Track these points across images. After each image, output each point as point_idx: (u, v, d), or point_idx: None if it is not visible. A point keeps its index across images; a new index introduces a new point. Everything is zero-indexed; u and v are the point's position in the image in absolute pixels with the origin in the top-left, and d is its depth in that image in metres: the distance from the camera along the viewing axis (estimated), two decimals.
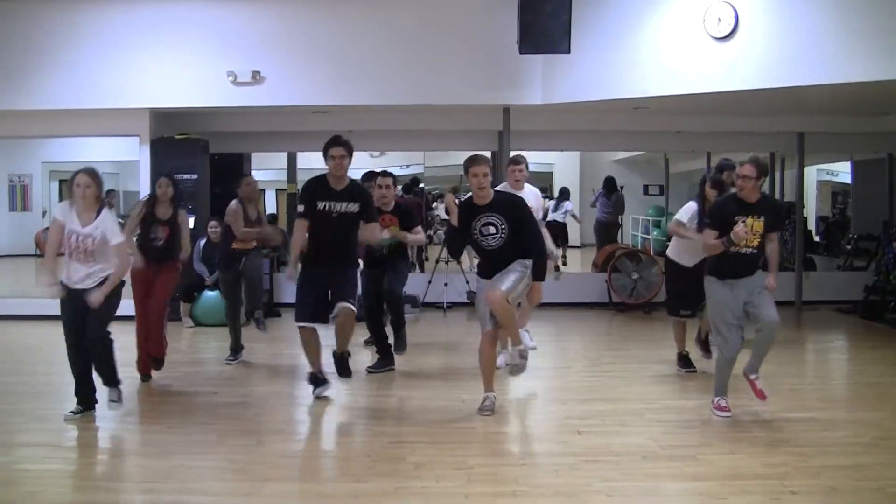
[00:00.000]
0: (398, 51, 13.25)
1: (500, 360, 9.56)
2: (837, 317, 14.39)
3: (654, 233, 21.28)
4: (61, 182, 24.88)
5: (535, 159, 23.57)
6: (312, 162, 19.07)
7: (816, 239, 18.76)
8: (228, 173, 14.90)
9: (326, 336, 8.79)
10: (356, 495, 6.11)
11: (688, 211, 9.61)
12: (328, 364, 8.84)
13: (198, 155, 13.97)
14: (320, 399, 8.67)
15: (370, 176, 11.09)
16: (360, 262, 9.23)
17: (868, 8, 10.12)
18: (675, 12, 11.65)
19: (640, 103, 12.95)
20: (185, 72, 13.19)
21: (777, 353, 9.15)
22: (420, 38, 13.29)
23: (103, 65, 13.11)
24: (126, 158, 15.51)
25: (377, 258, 9.90)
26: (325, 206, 8.55)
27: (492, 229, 7.88)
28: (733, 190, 8.24)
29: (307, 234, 8.59)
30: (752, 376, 8.06)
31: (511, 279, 7.81)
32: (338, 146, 8.60)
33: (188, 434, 7.59)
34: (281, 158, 17.15)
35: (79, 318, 7.85)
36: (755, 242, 7.75)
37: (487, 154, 14.94)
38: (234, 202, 10.50)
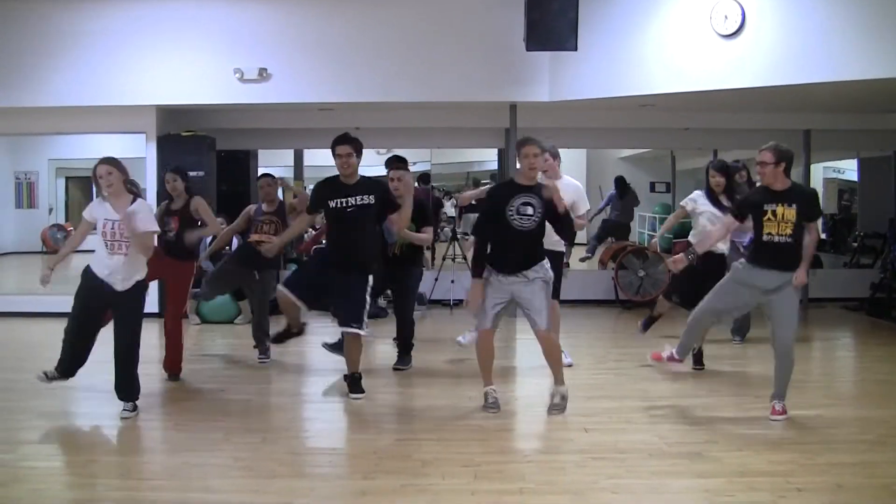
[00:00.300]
0: (405, 48, 13.25)
1: (467, 338, 9.68)
2: (844, 314, 14.38)
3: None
4: (68, 179, 24.97)
5: None
6: (319, 159, 19.11)
7: (823, 236, 18.74)
8: (235, 170, 14.95)
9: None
10: (363, 492, 6.11)
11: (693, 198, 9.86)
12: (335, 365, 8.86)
13: (204, 152, 13.97)
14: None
15: (391, 162, 11.00)
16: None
17: (875, 5, 10.11)
18: (681, 9, 11.64)
19: (646, 101, 12.94)
20: (192, 69, 13.20)
21: None
22: (427, 36, 13.29)
23: (110, 62, 13.13)
24: (133, 155, 15.52)
25: (388, 258, 9.69)
26: (338, 203, 8.42)
27: (529, 210, 7.80)
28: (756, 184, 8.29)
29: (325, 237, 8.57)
30: (776, 404, 7.94)
31: (544, 311, 7.94)
32: (344, 144, 8.47)
33: (194, 431, 7.60)
34: (287, 155, 17.19)
35: (95, 314, 7.96)
36: (789, 231, 7.68)
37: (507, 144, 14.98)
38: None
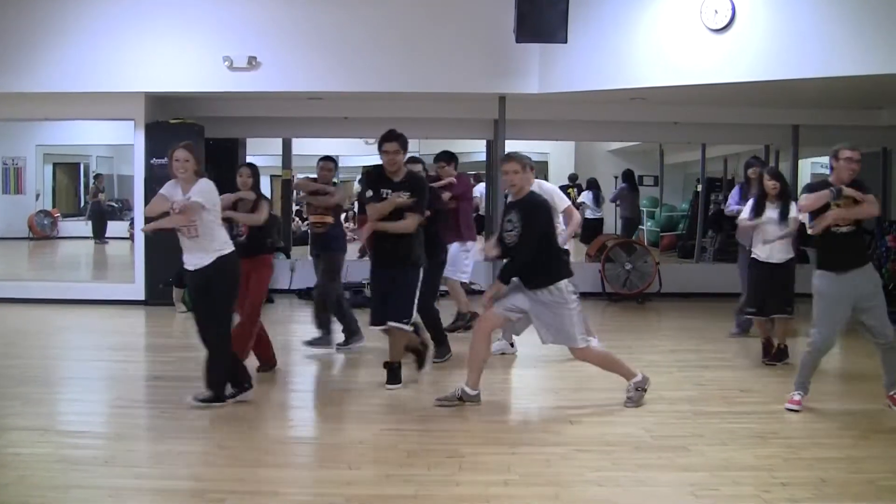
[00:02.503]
0: (395, 38, 13.22)
1: (495, 346, 9.63)
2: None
3: (648, 224, 21.28)
4: (55, 165, 24.92)
5: (531, 149, 23.58)
6: (307, 148, 19.08)
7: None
8: (223, 159, 14.87)
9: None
10: (348, 482, 6.12)
11: (733, 197, 9.94)
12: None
13: (193, 140, 13.86)
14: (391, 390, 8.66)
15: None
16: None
17: (864, 1, 10.13)
18: (672, 3, 11.65)
19: (636, 94, 12.95)
20: (181, 56, 13.16)
21: None
22: (417, 26, 13.27)
23: (99, 48, 13.07)
24: (121, 142, 15.49)
25: None
26: (385, 195, 8.51)
27: (508, 226, 7.81)
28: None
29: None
30: (892, 392, 8.01)
31: (570, 330, 7.83)
32: (392, 141, 8.52)
33: (180, 419, 7.58)
34: (276, 144, 17.14)
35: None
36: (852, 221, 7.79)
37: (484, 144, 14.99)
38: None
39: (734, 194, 11.34)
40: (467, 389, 8.01)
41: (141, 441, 7.17)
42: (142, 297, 13.84)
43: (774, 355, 9.92)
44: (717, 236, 17.55)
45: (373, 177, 8.74)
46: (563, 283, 7.75)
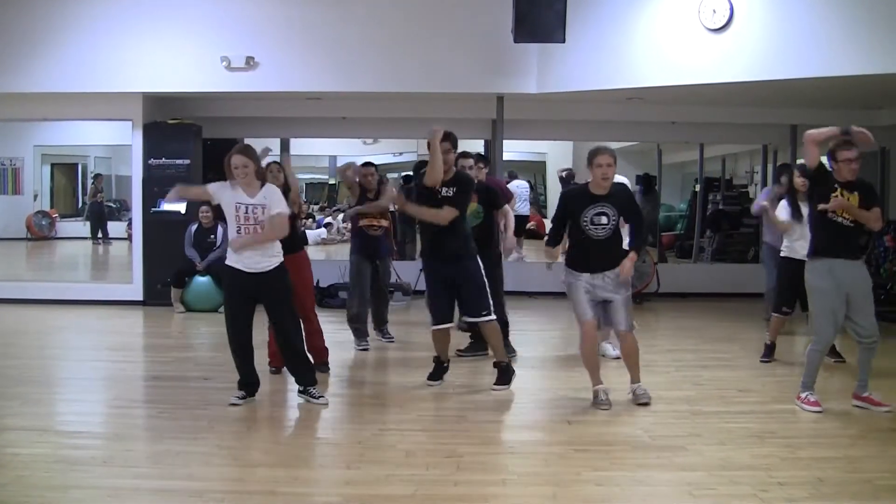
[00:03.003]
0: (393, 38, 13.24)
1: (611, 349, 9.89)
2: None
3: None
4: (53, 166, 24.93)
5: (528, 148, 23.63)
6: (305, 148, 19.10)
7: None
8: (221, 159, 14.88)
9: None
10: (347, 482, 6.13)
11: (766, 195, 10.05)
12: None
13: (190, 140, 13.96)
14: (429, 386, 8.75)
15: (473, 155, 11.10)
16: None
17: (861, 2, 10.15)
18: (669, 3, 11.68)
19: (634, 94, 12.97)
20: (179, 57, 13.18)
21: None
22: (415, 26, 13.29)
23: (97, 49, 13.09)
24: (119, 143, 15.49)
25: None
26: (439, 193, 8.57)
27: (604, 219, 7.89)
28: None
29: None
30: (864, 394, 8.07)
31: (625, 313, 8.06)
32: (443, 140, 8.54)
33: (178, 419, 7.59)
34: (274, 144, 17.13)
35: (247, 306, 7.94)
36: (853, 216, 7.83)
37: (476, 144, 15.01)
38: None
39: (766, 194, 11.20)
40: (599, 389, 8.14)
41: (139, 441, 7.17)
42: (140, 297, 13.84)
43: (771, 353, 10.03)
44: (716, 236, 17.60)
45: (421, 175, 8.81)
46: None
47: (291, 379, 8.52)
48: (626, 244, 8.25)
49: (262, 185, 7.84)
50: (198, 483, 6.08)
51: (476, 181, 9.58)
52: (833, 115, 14.42)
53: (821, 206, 7.79)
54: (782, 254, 10.03)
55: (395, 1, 13.29)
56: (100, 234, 22.77)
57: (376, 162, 10.97)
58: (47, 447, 6.78)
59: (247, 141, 15.99)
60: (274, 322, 8.10)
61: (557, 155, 23.54)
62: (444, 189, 8.51)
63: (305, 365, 8.18)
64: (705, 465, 6.47)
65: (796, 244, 9.67)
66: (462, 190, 8.59)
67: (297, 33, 13.20)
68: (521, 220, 18.07)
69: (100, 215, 22.99)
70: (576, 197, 8.16)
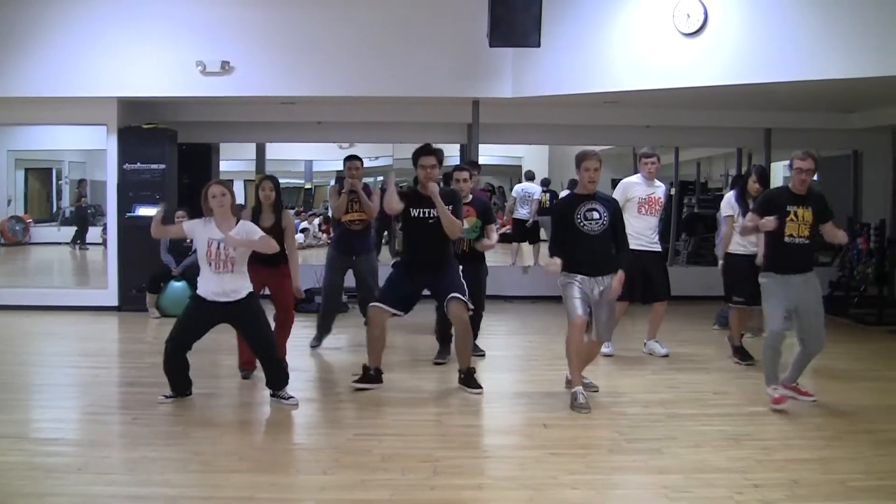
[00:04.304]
0: (368, 42, 13.22)
1: (659, 347, 10.24)
2: None
3: None
4: (27, 171, 24.78)
5: (504, 153, 23.66)
6: (281, 152, 19.05)
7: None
8: (196, 163, 14.88)
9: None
10: (322, 487, 6.11)
11: (729, 202, 10.23)
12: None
13: (166, 144, 13.91)
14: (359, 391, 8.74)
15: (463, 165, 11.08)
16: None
17: (836, 6, 10.21)
18: (644, 7, 11.70)
19: (609, 98, 12.99)
20: (154, 61, 13.12)
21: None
22: (390, 30, 13.27)
23: (71, 53, 13.03)
24: (93, 147, 15.42)
25: (456, 255, 9.55)
26: (419, 213, 8.65)
27: (595, 214, 8.13)
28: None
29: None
30: (793, 384, 8.29)
31: (605, 326, 8.42)
32: (428, 155, 8.64)
33: (153, 425, 7.56)
34: (249, 149, 17.10)
35: (201, 330, 8.13)
36: (806, 233, 7.99)
37: (454, 146, 15.02)
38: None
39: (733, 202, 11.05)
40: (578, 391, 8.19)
41: (114, 448, 7.13)
42: (115, 302, 13.79)
43: (743, 352, 10.17)
44: (691, 239, 17.64)
45: (407, 196, 8.81)
46: None
47: (266, 384, 8.51)
48: None
49: (237, 221, 7.98)
50: (173, 489, 6.05)
51: (473, 196, 9.90)
52: (806, 119, 14.60)
53: (773, 225, 7.96)
54: (728, 250, 10.15)
55: (370, 5, 13.26)
56: (78, 240, 22.67)
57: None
58: (22, 455, 6.74)
59: (222, 146, 16.00)
60: (252, 344, 8.31)
61: (534, 159, 23.61)
62: (434, 210, 8.58)
63: (284, 372, 8.29)
64: (681, 468, 6.49)
65: (742, 241, 9.82)
66: (455, 206, 8.66)
67: (273, 38, 13.17)
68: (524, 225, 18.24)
69: (84, 220, 22.91)
70: (565, 202, 8.49)
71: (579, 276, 8.11)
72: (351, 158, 10.80)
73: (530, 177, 19.59)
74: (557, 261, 8.04)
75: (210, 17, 13.14)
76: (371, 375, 8.81)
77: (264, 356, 8.19)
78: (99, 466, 6.57)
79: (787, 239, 7.96)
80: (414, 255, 8.81)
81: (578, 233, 8.11)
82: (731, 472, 6.41)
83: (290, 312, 9.42)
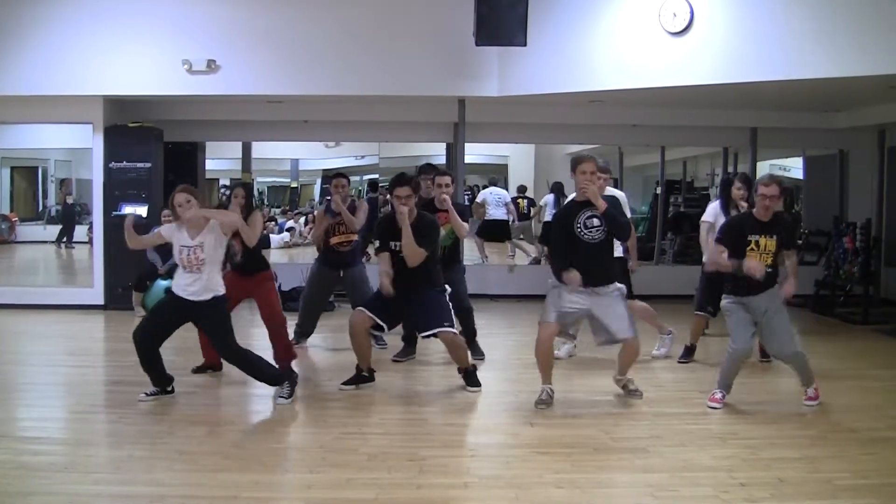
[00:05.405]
0: (354, 41, 13.22)
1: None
2: (789, 311, 14.46)
3: None
4: (13, 169, 24.70)
5: (490, 151, 23.65)
6: (267, 151, 19.04)
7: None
8: (182, 162, 14.86)
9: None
10: (308, 486, 6.11)
11: (714, 211, 10.09)
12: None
13: (151, 143, 13.89)
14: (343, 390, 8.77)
15: (428, 169, 11.04)
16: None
17: (821, 6, 10.24)
18: (630, 7, 11.72)
19: (595, 97, 13.01)
20: (140, 60, 13.10)
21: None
22: (376, 29, 13.27)
23: (57, 51, 12.99)
24: (79, 146, 15.38)
25: None
26: (395, 246, 8.61)
27: (596, 221, 8.03)
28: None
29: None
30: (809, 390, 8.30)
31: (627, 320, 8.18)
32: (403, 186, 8.61)
33: (139, 424, 7.56)
34: (235, 148, 17.11)
35: (170, 326, 8.16)
36: (768, 261, 7.92)
37: (444, 149, 15.02)
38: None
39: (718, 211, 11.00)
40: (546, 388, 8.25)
41: (100, 447, 7.13)
42: (101, 301, 13.77)
43: (689, 352, 10.34)
44: (677, 238, 17.67)
45: (383, 229, 8.79)
46: None
47: (252, 383, 8.50)
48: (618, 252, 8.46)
49: (207, 222, 8.03)
50: (159, 488, 6.04)
51: (453, 203, 9.90)
52: (793, 118, 14.63)
53: (733, 267, 7.92)
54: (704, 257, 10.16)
55: (356, 4, 13.26)
56: (64, 238, 22.61)
57: (337, 165, 10.94)
58: (7, 453, 6.72)
59: (208, 144, 15.97)
60: (215, 348, 8.46)
61: (520, 158, 23.62)
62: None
63: (264, 370, 8.35)
64: (667, 467, 6.51)
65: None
66: (425, 235, 8.63)
67: (259, 36, 13.16)
68: (499, 224, 18.19)
69: (71, 219, 22.85)
70: (565, 210, 8.41)
71: (567, 287, 8.05)
72: (337, 176, 10.75)
73: (494, 182, 19.56)
74: (576, 274, 7.97)
75: (196, 15, 13.13)
76: (364, 376, 8.84)
77: (235, 362, 8.28)
78: (85, 465, 6.56)
79: (739, 274, 7.90)
80: (399, 278, 8.73)
81: (578, 241, 8.06)
82: (716, 470, 6.42)
83: (279, 317, 9.41)
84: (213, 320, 8.10)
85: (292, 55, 13.15)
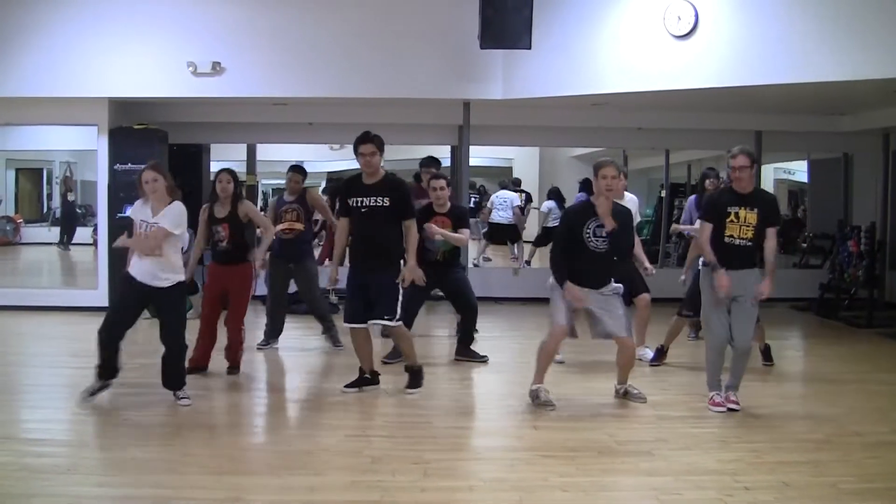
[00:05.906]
0: (359, 44, 13.22)
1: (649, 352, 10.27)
2: (793, 314, 14.50)
3: None
4: (18, 171, 24.73)
5: (495, 154, 23.65)
6: (272, 153, 19.02)
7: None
8: (187, 164, 14.85)
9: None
10: (312, 489, 6.11)
11: (689, 208, 10.07)
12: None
13: (156, 145, 13.88)
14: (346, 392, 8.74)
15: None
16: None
17: (826, 10, 10.23)
18: (635, 10, 11.72)
19: (599, 100, 13.00)
20: (145, 61, 13.11)
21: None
22: (381, 32, 13.28)
23: (62, 53, 13.00)
24: (84, 148, 15.39)
25: (430, 263, 9.65)
26: (354, 202, 8.50)
27: (604, 231, 8.01)
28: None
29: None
30: (732, 395, 8.22)
31: (624, 320, 8.26)
32: (367, 143, 8.50)
33: (143, 426, 7.55)
34: (240, 150, 17.07)
35: (130, 312, 8.16)
36: (749, 234, 7.93)
37: (444, 151, 15.02)
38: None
39: (692, 206, 11.22)
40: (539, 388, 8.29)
41: (104, 449, 7.13)
42: (105, 303, 13.72)
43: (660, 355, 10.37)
44: (682, 242, 17.63)
45: (345, 187, 8.78)
46: None
47: (257, 384, 8.50)
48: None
49: (171, 202, 7.99)
50: (163, 490, 6.04)
51: (451, 205, 10.01)
52: (797, 121, 14.61)
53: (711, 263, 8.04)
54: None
55: (361, 7, 13.27)
56: (65, 237, 22.61)
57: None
58: (10, 455, 6.72)
59: (213, 146, 15.97)
60: (162, 334, 8.27)
61: (524, 161, 23.62)
62: (371, 199, 8.48)
63: (179, 374, 8.35)
64: (671, 470, 6.50)
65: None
66: (396, 198, 8.54)
67: (264, 39, 13.16)
68: (503, 227, 18.23)
69: (72, 217, 22.84)
70: (578, 211, 8.36)
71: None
72: (293, 169, 11.07)
73: (504, 185, 19.55)
74: (576, 290, 8.01)
75: (201, 17, 13.14)
76: (367, 378, 8.81)
77: (168, 353, 8.21)
78: (88, 467, 6.57)
79: (727, 240, 7.96)
80: (352, 248, 8.73)
81: (584, 248, 8.05)
82: (721, 474, 6.42)
83: (239, 319, 9.43)
84: (170, 306, 8.12)
85: (297, 57, 13.16)
